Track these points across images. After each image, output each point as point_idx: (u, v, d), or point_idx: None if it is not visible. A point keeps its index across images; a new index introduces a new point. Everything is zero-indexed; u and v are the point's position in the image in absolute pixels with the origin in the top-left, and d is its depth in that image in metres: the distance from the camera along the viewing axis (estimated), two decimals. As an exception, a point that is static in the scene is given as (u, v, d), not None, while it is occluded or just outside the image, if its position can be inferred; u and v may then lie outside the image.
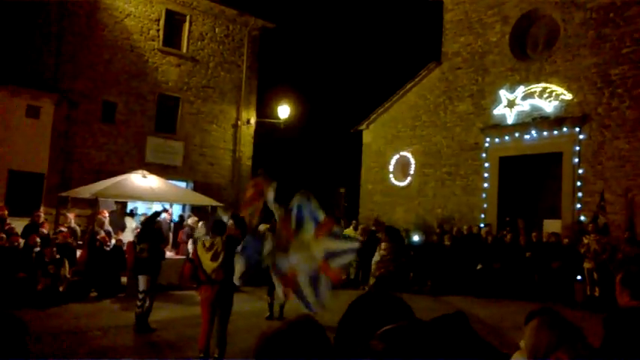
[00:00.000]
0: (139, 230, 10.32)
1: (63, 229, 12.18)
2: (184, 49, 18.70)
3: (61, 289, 10.18)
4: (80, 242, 12.38)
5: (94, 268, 10.96)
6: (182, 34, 18.71)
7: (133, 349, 7.17)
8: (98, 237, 11.55)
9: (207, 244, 6.23)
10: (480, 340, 1.49)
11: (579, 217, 13.48)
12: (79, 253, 11.61)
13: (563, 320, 2.22)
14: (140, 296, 8.24)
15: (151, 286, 8.32)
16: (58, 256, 10.45)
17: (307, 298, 4.14)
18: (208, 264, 6.10)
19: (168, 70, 18.23)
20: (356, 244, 4.63)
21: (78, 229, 13.10)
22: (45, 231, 11.70)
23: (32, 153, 15.16)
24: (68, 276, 10.62)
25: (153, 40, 17.86)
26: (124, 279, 11.29)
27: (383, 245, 8.88)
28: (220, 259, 6.06)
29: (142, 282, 8.33)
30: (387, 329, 1.51)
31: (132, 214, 14.31)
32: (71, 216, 13.57)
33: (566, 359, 1.96)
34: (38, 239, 10.75)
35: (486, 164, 15.93)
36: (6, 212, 11.59)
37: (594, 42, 13.62)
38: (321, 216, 4.30)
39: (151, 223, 9.11)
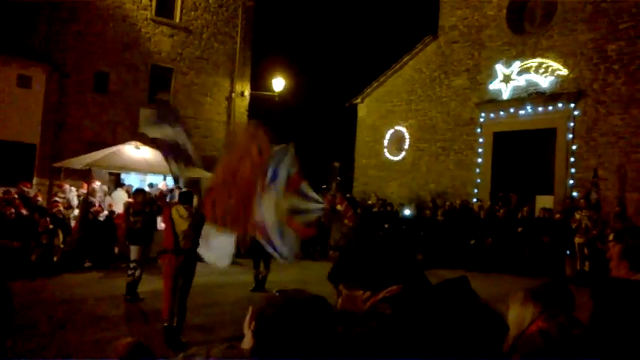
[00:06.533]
0: (131, 201, 10.33)
1: (57, 199, 12.16)
2: (177, 19, 18.38)
3: (55, 259, 10.23)
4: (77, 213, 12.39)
5: (87, 239, 11.00)
6: (175, 4, 18.36)
7: (126, 318, 7.27)
8: (92, 209, 11.56)
9: (182, 209, 6.36)
10: (480, 302, 1.62)
11: (572, 192, 13.56)
12: (73, 223, 11.63)
13: (550, 292, 2.25)
14: (131, 265, 8.39)
15: (142, 257, 8.44)
16: (51, 227, 10.46)
17: (277, 247, 4.19)
18: (181, 223, 6.22)
19: (161, 40, 17.96)
20: (320, 206, 4.67)
21: (75, 199, 13.03)
22: (39, 200, 11.70)
23: (24, 123, 14.97)
24: (62, 246, 10.66)
25: (145, 10, 17.53)
26: (117, 249, 11.35)
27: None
28: (189, 225, 6.18)
29: (133, 252, 8.49)
30: (393, 294, 1.56)
31: (122, 184, 14.29)
32: (67, 186, 13.51)
33: (546, 327, 1.99)
34: (24, 210, 10.72)
35: (481, 139, 15.93)
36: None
37: (592, 17, 13.50)
38: (293, 171, 4.33)
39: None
